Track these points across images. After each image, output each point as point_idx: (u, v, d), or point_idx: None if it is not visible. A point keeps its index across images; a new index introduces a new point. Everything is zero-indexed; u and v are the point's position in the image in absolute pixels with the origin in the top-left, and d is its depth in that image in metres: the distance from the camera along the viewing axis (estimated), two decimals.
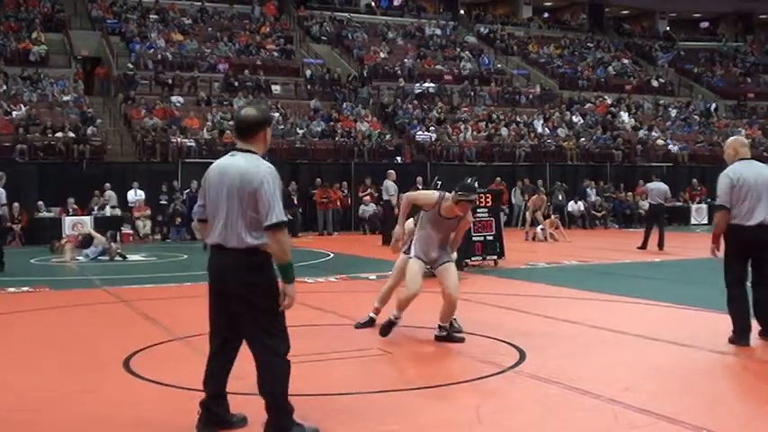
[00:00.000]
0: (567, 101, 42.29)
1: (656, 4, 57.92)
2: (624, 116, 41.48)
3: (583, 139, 37.56)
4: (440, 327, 9.25)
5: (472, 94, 40.51)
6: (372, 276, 15.70)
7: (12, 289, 14.38)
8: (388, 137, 34.48)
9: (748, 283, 9.21)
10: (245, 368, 6.32)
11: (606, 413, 6.39)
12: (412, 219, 10.26)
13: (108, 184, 26.93)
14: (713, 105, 46.59)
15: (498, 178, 30.91)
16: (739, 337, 8.89)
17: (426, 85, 39.79)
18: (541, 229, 25.21)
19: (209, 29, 41.07)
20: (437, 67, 42.47)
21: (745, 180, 8.98)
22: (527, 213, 26.70)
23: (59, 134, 28.79)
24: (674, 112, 43.97)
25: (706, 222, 33.55)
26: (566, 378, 7.35)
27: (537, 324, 10.47)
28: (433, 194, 9.35)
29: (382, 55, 42.26)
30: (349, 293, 13.52)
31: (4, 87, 31.56)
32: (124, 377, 7.74)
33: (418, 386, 7.27)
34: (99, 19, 39.18)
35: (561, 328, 10.21)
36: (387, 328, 9.23)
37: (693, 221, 33.74)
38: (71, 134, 28.94)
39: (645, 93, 46.26)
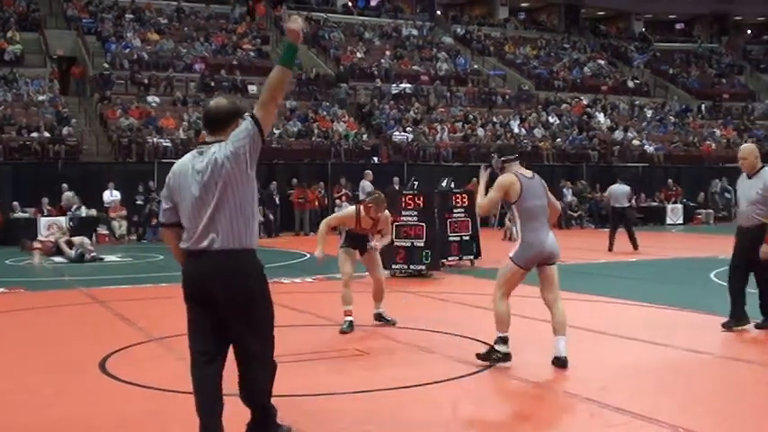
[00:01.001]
0: (544, 101, 42.38)
1: (631, 6, 58.17)
2: (600, 117, 41.62)
3: (559, 139, 37.66)
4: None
5: (449, 94, 40.54)
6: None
7: None
8: (364, 137, 34.46)
9: None
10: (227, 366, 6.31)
11: (582, 412, 6.42)
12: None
13: (65, 185, 26.52)
14: (694, 106, 46.92)
15: (474, 179, 30.79)
16: None
17: (403, 85, 39.80)
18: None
19: (186, 29, 40.95)
20: (414, 67, 42.50)
21: None
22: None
23: (35, 134, 28.63)
24: (649, 113, 44.16)
25: (681, 222, 33.72)
26: (542, 377, 7.38)
27: (514, 324, 10.44)
28: (351, 211, 10.14)
29: (359, 55, 42.26)
30: (325, 294, 13.49)
31: None
32: (100, 378, 7.70)
33: (395, 386, 7.27)
34: (74, 18, 38.98)
35: (538, 327, 10.21)
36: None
37: (669, 221, 33.86)
38: (46, 134, 28.79)
39: (621, 93, 46.42)
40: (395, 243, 14.50)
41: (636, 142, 38.93)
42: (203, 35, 40.05)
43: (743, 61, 55.82)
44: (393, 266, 15.91)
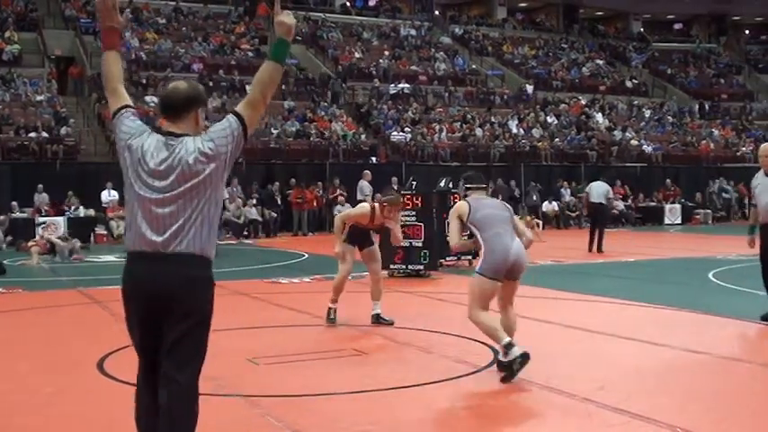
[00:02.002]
0: (542, 101, 42.40)
1: (629, 6, 58.17)
2: (598, 117, 41.61)
3: (557, 139, 37.67)
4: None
5: (447, 94, 40.55)
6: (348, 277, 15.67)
7: None
8: (362, 137, 34.46)
9: None
10: (216, 367, 6.28)
11: (580, 412, 6.42)
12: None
13: (40, 186, 26.40)
14: (692, 106, 46.98)
15: None
16: None
17: (401, 85, 39.77)
18: None
19: (184, 29, 40.93)
20: (412, 67, 42.49)
21: None
22: None
23: (33, 134, 28.61)
24: (647, 113, 44.16)
25: (680, 222, 33.74)
26: (540, 377, 7.37)
27: None
28: (366, 209, 10.22)
29: (357, 55, 42.24)
30: (324, 294, 13.46)
31: None
32: (98, 378, 7.70)
33: (392, 386, 7.27)
34: (72, 18, 38.95)
35: (536, 327, 10.23)
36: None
37: (667, 221, 33.86)
38: (44, 134, 28.77)
39: (619, 93, 46.44)
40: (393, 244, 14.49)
41: (634, 142, 38.94)
42: (201, 35, 40.03)
43: (741, 61, 55.82)
44: (391, 266, 15.91)
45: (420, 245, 16.13)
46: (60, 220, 25.61)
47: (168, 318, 4.49)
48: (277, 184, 29.36)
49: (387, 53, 43.27)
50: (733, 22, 60.79)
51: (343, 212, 10.78)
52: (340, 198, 29.24)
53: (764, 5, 55.69)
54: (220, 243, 25.10)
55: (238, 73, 36.94)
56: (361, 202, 23.98)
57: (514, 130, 37.55)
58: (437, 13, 53.60)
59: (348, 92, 38.91)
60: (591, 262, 19.02)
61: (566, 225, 31.75)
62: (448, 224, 16.97)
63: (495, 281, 7.78)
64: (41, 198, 26.06)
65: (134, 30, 38.52)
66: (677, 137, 41.38)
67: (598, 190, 21.56)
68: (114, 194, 26.94)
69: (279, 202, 28.94)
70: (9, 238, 24.26)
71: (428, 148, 34.10)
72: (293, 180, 29.52)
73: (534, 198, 32.26)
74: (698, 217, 34.41)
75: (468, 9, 56.69)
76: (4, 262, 18.12)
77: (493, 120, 38.25)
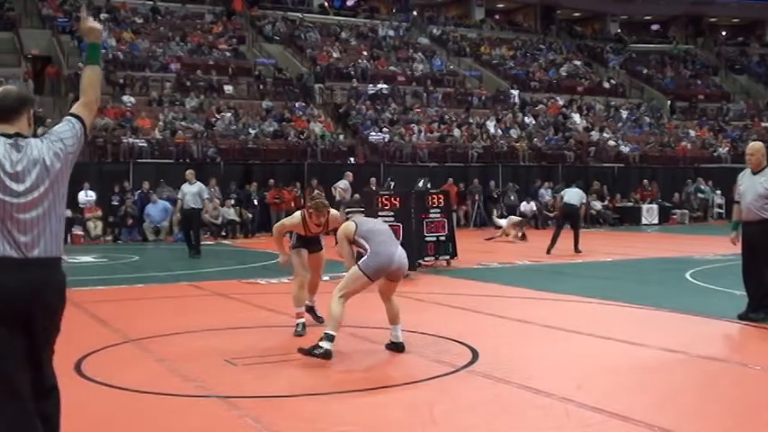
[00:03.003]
0: (520, 102, 42.47)
1: (607, 7, 58.42)
2: (576, 117, 41.70)
3: (536, 139, 37.75)
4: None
5: (425, 95, 40.58)
6: (325, 277, 15.63)
7: None
8: (341, 137, 34.45)
9: None
10: (194, 368, 6.31)
11: (558, 411, 6.43)
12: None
13: None
14: (669, 107, 47.22)
15: (450, 179, 30.97)
16: None
17: (380, 85, 39.76)
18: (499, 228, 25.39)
19: (161, 28, 40.80)
20: (390, 68, 42.50)
21: None
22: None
23: None
24: (625, 114, 44.32)
25: (657, 222, 33.88)
26: (518, 377, 7.39)
27: (489, 323, 10.51)
28: (297, 216, 10.25)
29: (335, 55, 42.21)
30: None
31: None
32: (76, 380, 7.65)
33: (372, 386, 7.28)
34: (49, 17, 38.75)
35: (514, 327, 10.26)
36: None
37: (644, 221, 33.99)
38: None
39: (596, 94, 46.57)
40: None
41: (611, 143, 39.06)
42: (179, 35, 39.89)
43: (717, 63, 56.12)
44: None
45: None
46: None
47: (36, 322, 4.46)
48: (255, 184, 29.32)
49: (365, 53, 43.25)
50: (709, 23, 61.14)
51: (278, 222, 10.75)
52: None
53: (741, 7, 56.06)
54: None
55: (216, 73, 36.89)
56: (339, 201, 23.98)
57: (492, 131, 37.61)
58: (415, 13, 53.66)
59: (326, 92, 38.87)
60: (569, 262, 19.07)
61: (544, 225, 31.82)
62: (426, 224, 17.12)
63: (371, 280, 8.55)
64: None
65: (111, 29, 38.33)
66: (654, 137, 41.54)
67: (572, 194, 21.45)
68: (92, 195, 26.86)
69: (256, 202, 28.89)
70: None
71: (406, 149, 34.10)
72: (271, 180, 29.48)
73: (512, 198, 32.34)
74: (675, 217, 34.59)
75: (446, 10, 56.79)
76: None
77: (471, 120, 38.31)
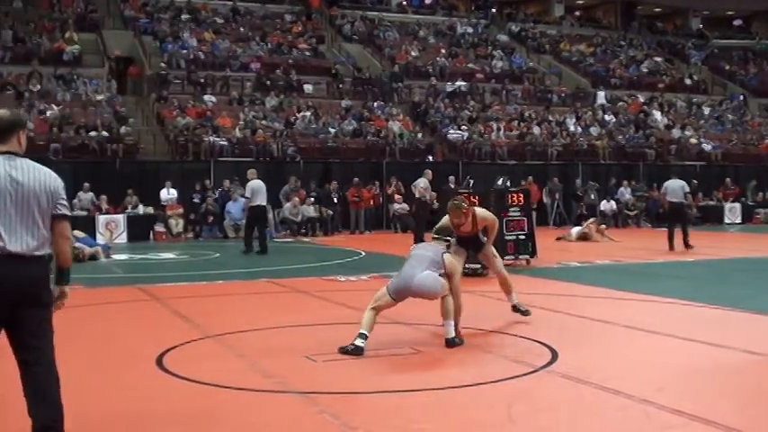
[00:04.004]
0: (592, 98, 42.05)
1: (688, 2, 57.51)
2: (657, 115, 41.18)
3: (619, 137, 37.35)
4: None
5: (504, 92, 40.41)
6: (364, 276, 15.67)
7: None
8: (419, 136, 34.46)
9: None
10: (274, 364, 6.36)
11: (638, 413, 6.36)
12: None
13: (87, 184, 26.62)
14: (752, 104, 46.36)
15: (530, 177, 30.79)
16: None
17: (458, 83, 39.68)
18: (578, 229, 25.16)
19: (242, 28, 41.19)
20: (469, 65, 42.38)
21: None
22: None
23: (93, 133, 28.96)
24: (707, 111, 43.64)
25: (740, 221, 33.34)
26: (598, 378, 7.32)
27: (570, 323, 10.43)
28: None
29: (414, 54, 42.22)
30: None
31: (39, 87, 31.78)
32: (157, 374, 7.78)
33: (450, 385, 7.26)
34: (132, 19, 39.37)
35: (594, 327, 10.17)
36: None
37: (727, 221, 33.49)
38: (104, 133, 29.12)
39: (678, 91, 45.91)
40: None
41: (693, 140, 38.50)
42: (259, 35, 40.25)
43: None
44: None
45: None
46: (120, 217, 25.97)
47: None
48: (334, 182, 29.51)
49: (443, 51, 43.18)
50: None
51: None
52: (397, 197, 29.32)
53: None
54: (277, 240, 25.37)
55: (296, 72, 37.12)
56: (419, 200, 23.98)
57: (572, 129, 37.33)
58: (494, 10, 53.40)
59: (404, 90, 38.92)
60: (650, 262, 18.84)
61: (624, 224, 31.51)
62: (506, 223, 17.02)
63: (393, 300, 8.90)
64: (87, 197, 26.34)
65: (192, 30, 38.85)
66: (737, 135, 40.84)
67: (674, 187, 21.49)
68: (173, 192, 27.28)
69: (336, 200, 29.07)
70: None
71: (485, 147, 34.00)
72: (356, 179, 29.65)
73: (592, 197, 32.05)
74: (758, 216, 33.96)
75: (525, 7, 56.43)
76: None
77: (550, 118, 38.07)
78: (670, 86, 46.10)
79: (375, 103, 36.18)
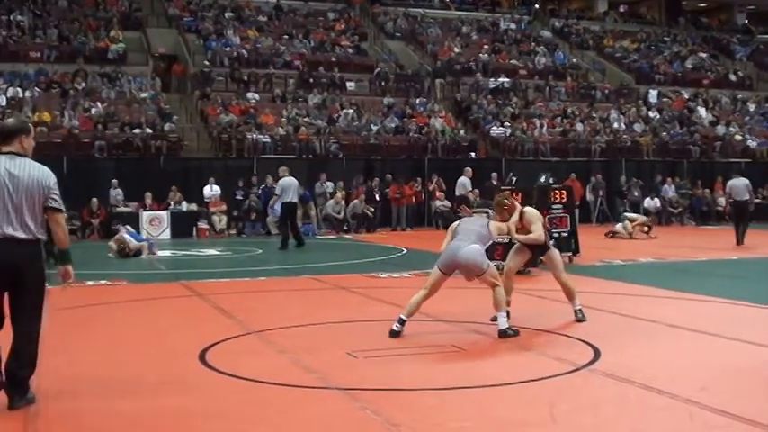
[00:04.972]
0: (644, 96, 41.76)
1: None
2: (701, 111, 40.80)
3: (664, 134, 37.05)
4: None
5: (547, 89, 40.24)
6: (407, 274, 15.63)
7: (90, 282, 14.48)
8: (461, 132, 34.40)
9: None
10: (316, 360, 6.36)
11: (682, 413, 6.32)
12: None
13: (114, 181, 26.98)
14: None
15: (573, 174, 30.60)
16: None
17: (501, 80, 39.55)
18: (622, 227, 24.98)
19: (285, 26, 41.35)
20: (512, 61, 42.21)
21: None
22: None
23: (137, 130, 29.24)
24: (752, 107, 43.14)
25: None
26: (641, 377, 7.27)
27: (612, 322, 10.37)
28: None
29: (456, 50, 42.13)
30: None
31: (84, 85, 32.10)
32: (200, 369, 7.83)
33: (491, 383, 7.25)
34: (176, 17, 39.67)
35: (637, 325, 10.10)
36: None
37: None
38: (148, 130, 29.38)
39: (723, 87, 45.43)
40: (493, 240, 14.37)
41: (738, 137, 38.11)
42: (302, 32, 40.41)
43: None
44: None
45: None
46: (164, 214, 26.16)
47: None
48: (377, 179, 29.53)
49: (486, 47, 43.04)
50: None
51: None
52: (439, 194, 29.30)
53: None
54: (320, 237, 25.45)
55: (338, 70, 37.20)
56: (461, 197, 23.96)
57: (616, 125, 37.10)
58: (537, 6, 53.19)
59: (447, 87, 38.86)
60: (694, 260, 18.68)
61: (667, 222, 31.25)
62: (549, 220, 16.94)
63: (442, 273, 9.37)
64: (116, 193, 26.58)
65: (236, 28, 39.06)
66: None
67: (739, 186, 21.79)
68: (216, 189, 27.44)
69: (378, 197, 29.09)
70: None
71: (528, 144, 33.90)
72: (389, 176, 29.64)
73: (636, 194, 31.80)
74: None
75: (568, 2, 56.16)
76: (109, 255, 18.46)
77: (594, 114, 37.85)
78: (715, 82, 45.63)
79: (417, 100, 36.18)
